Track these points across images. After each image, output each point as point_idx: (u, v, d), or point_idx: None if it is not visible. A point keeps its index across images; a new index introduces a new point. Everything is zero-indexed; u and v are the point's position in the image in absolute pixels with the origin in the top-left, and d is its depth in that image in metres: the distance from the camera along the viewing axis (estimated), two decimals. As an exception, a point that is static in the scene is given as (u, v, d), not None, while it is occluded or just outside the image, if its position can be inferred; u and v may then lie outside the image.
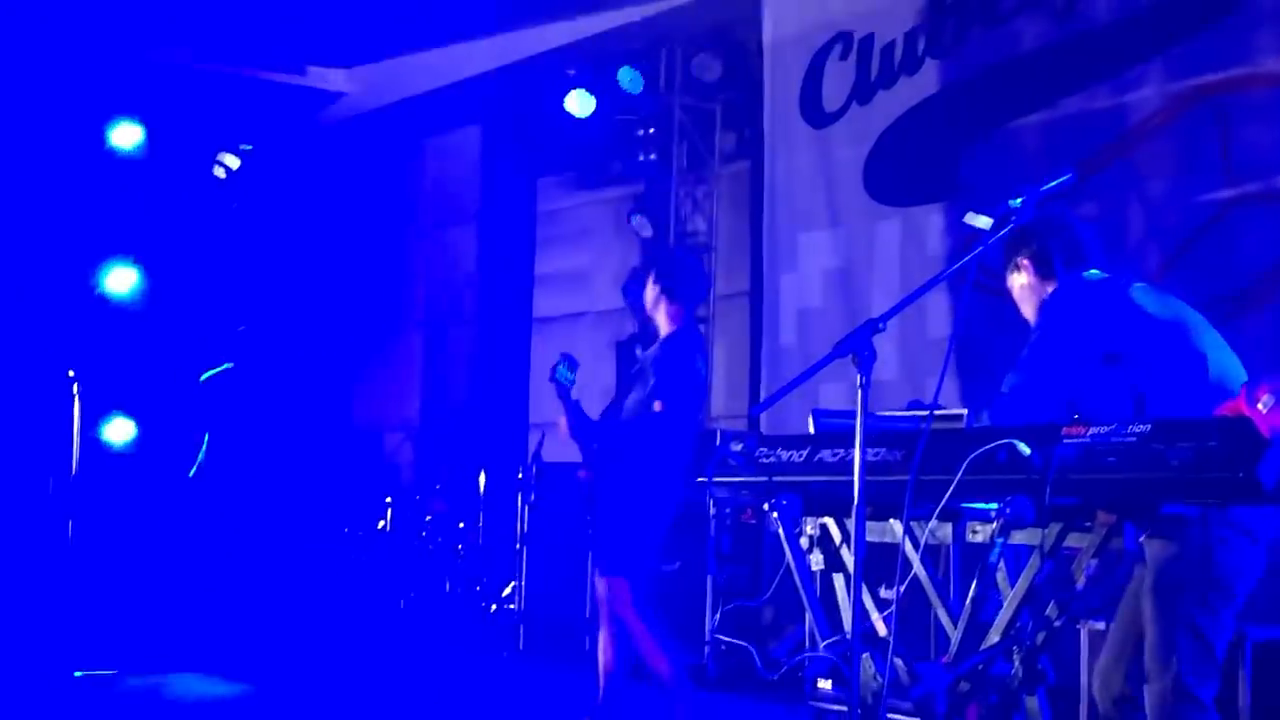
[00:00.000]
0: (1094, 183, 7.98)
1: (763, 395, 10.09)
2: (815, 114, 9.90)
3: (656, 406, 6.29)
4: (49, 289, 11.61)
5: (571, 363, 6.66)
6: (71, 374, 4.70)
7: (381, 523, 11.49)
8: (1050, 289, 4.80)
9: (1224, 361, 4.51)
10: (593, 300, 12.34)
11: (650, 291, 6.64)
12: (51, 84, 11.34)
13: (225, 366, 10.28)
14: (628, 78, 10.90)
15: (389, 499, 11.51)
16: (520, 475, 10.76)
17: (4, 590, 9.15)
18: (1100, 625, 5.76)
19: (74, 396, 4.74)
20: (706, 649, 8.28)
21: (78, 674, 6.17)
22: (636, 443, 6.49)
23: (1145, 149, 8.06)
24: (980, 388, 6.12)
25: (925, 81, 9.25)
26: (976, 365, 7.36)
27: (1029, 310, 4.89)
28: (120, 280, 11.72)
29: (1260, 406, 3.58)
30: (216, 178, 11.32)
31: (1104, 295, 4.65)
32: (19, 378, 10.56)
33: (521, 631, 9.98)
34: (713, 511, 8.51)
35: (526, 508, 10.31)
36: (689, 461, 6.27)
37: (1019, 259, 4.88)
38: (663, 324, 6.66)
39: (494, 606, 10.52)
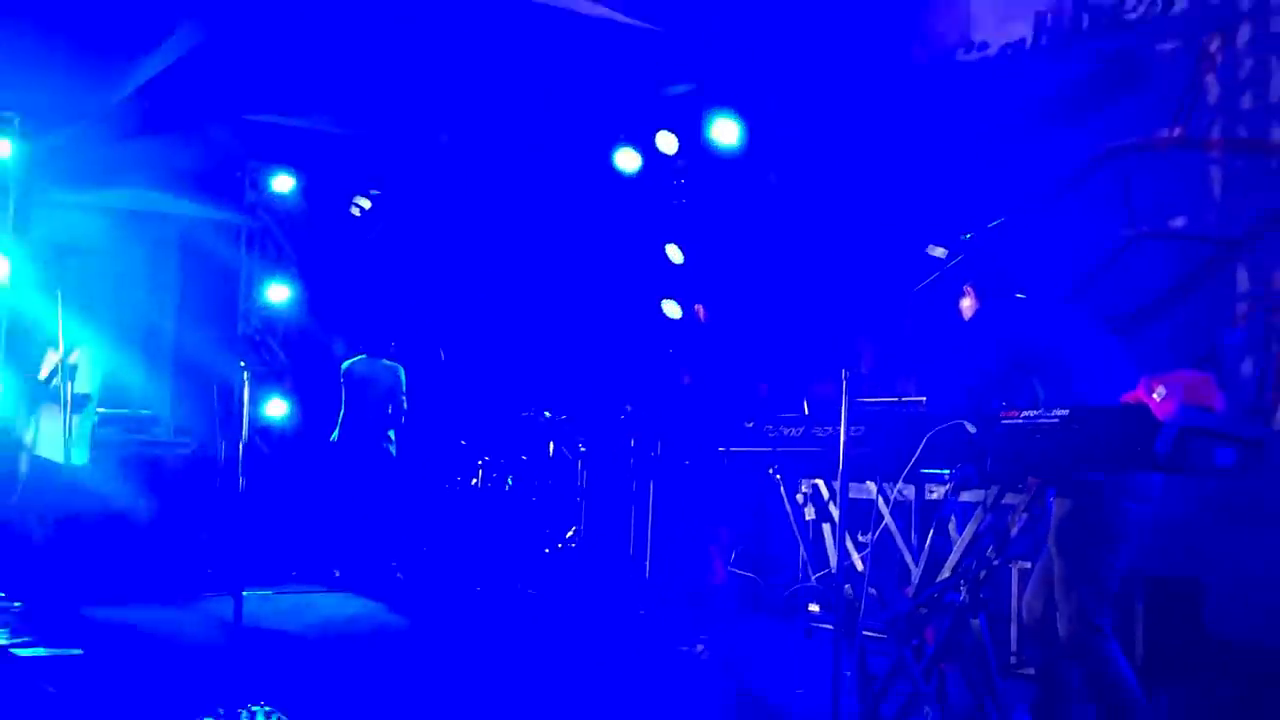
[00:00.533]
0: (1029, 223, 7.96)
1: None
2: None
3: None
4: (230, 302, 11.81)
5: None
6: (243, 364, 4.75)
7: (475, 479, 11.54)
8: (982, 305, 4.82)
9: (1118, 362, 4.50)
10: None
11: None
12: (226, 145, 11.48)
13: (360, 358, 10.31)
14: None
15: (480, 462, 11.56)
16: (580, 446, 10.80)
17: (193, 529, 9.22)
18: (1027, 564, 5.73)
19: (244, 383, 4.78)
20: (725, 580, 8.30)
21: (245, 593, 6.22)
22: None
23: (1067, 198, 8.02)
24: (934, 381, 6.11)
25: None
26: (933, 364, 7.35)
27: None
28: (279, 293, 11.84)
29: (1155, 396, 3.56)
30: (353, 215, 11.37)
31: (1020, 313, 4.66)
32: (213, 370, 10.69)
33: (578, 564, 10.00)
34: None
35: (584, 471, 10.33)
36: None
37: (965, 286, 4.90)
38: None
39: (559, 544, 10.55)
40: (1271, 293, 6.93)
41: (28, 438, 8.26)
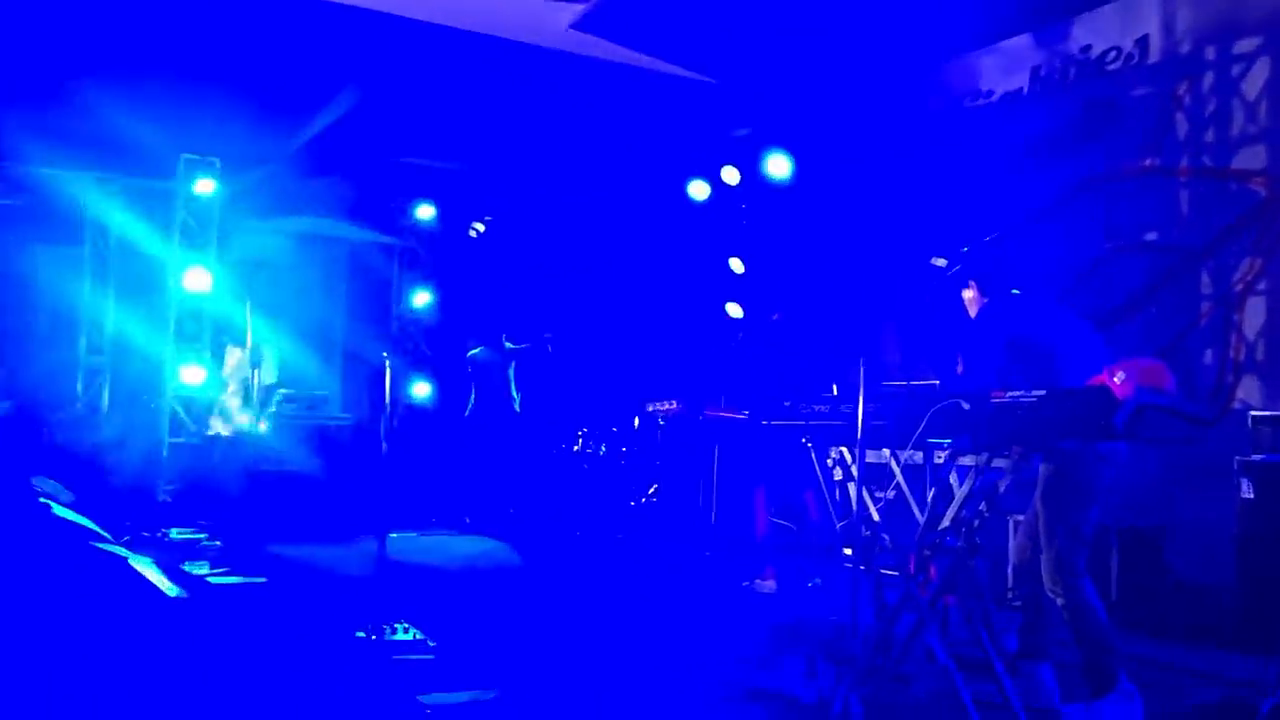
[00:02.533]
0: (1025, 237, 7.82)
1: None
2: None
3: None
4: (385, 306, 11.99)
5: None
6: (385, 355, 4.86)
7: (576, 446, 11.60)
8: (985, 301, 4.73)
9: (1094, 350, 4.40)
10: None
11: None
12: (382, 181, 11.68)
13: (481, 349, 10.42)
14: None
15: (580, 432, 11.62)
16: (661, 422, 10.80)
17: (353, 484, 9.37)
18: (1019, 516, 5.64)
19: (387, 369, 4.89)
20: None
21: (393, 534, 6.33)
22: None
23: (1057, 216, 7.86)
24: (945, 368, 6.02)
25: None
26: (944, 354, 7.25)
27: (973, 313, 4.83)
28: (422, 298, 12.00)
29: (1116, 380, 3.49)
30: (470, 237, 11.47)
31: (1017, 307, 4.57)
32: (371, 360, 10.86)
33: (657, 515, 10.01)
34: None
35: (662, 439, 10.33)
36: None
37: (969, 282, 4.81)
38: None
39: (642, 499, 10.57)
40: (1229, 294, 6.73)
41: (227, 412, 8.49)
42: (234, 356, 8.13)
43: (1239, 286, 6.70)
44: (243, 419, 7.94)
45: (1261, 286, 6.62)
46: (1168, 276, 7.09)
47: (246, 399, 7.82)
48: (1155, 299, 7.14)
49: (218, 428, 8.14)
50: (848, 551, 7.24)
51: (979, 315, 4.72)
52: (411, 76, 9.75)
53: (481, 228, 11.15)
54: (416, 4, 8.48)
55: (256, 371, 7.41)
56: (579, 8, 8.66)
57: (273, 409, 8.16)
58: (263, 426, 8.14)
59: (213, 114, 9.67)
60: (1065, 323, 4.53)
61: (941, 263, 4.58)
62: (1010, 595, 6.05)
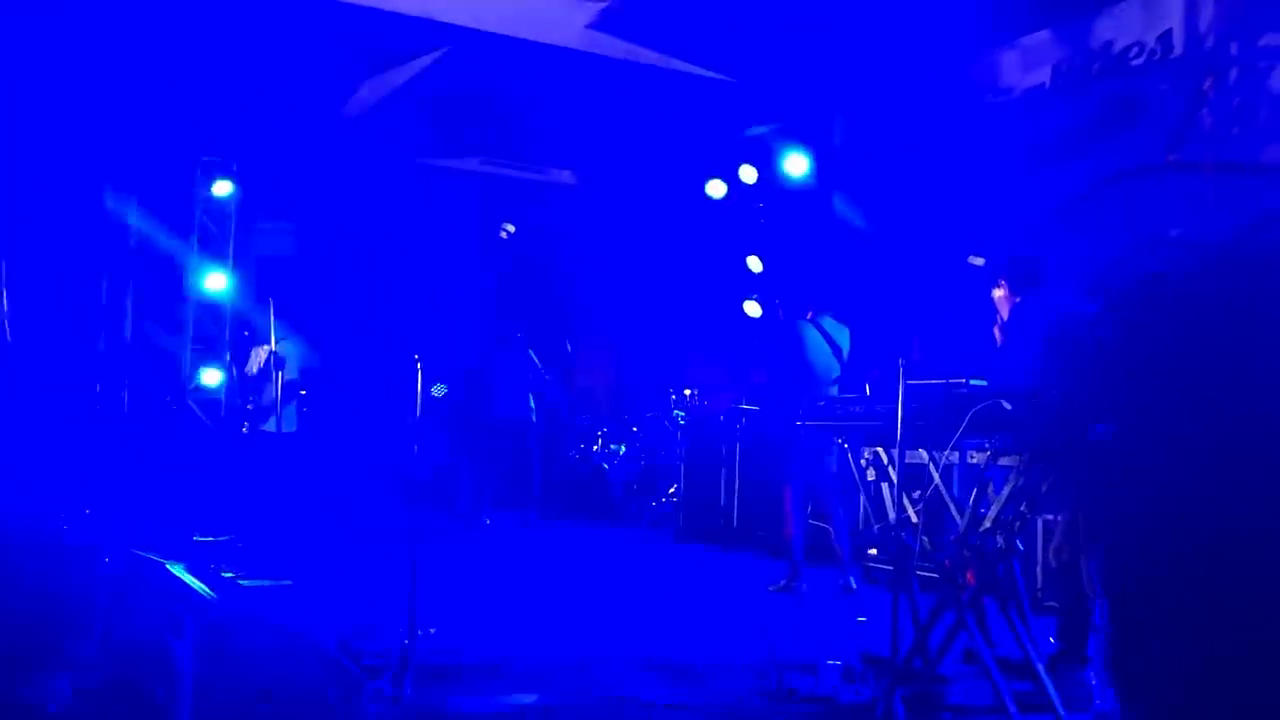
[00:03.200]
0: (1048, 236, 7.76)
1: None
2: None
3: None
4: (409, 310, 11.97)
5: None
6: (417, 358, 4.87)
7: (595, 446, 11.57)
8: (1017, 299, 4.72)
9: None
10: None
11: None
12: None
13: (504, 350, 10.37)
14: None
15: (600, 433, 11.59)
16: (680, 420, 10.76)
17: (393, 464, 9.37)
18: (1049, 516, 5.58)
19: (418, 370, 4.90)
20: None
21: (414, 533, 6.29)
22: None
23: (1080, 214, 7.80)
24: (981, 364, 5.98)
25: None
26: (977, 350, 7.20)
27: (1004, 310, 4.82)
28: (444, 299, 11.98)
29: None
30: (501, 238, 11.42)
31: (1050, 305, 4.55)
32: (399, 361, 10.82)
33: (678, 516, 9.97)
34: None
35: (683, 439, 10.29)
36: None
37: (1000, 280, 4.80)
38: None
39: (662, 499, 10.54)
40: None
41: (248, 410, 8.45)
42: (256, 357, 8.10)
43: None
44: (264, 418, 7.92)
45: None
46: (1194, 273, 7.02)
47: (268, 398, 7.79)
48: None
49: (239, 426, 8.12)
50: (872, 552, 7.22)
51: (1012, 314, 4.69)
52: (428, 77, 9.72)
53: (512, 229, 11.12)
54: (432, 4, 8.44)
55: (280, 373, 7.38)
56: (596, 7, 8.62)
57: (294, 408, 8.14)
58: (284, 426, 8.10)
59: (230, 116, 9.66)
60: (1086, 319, 4.50)
61: (979, 261, 4.55)
62: (1040, 596, 6.00)
